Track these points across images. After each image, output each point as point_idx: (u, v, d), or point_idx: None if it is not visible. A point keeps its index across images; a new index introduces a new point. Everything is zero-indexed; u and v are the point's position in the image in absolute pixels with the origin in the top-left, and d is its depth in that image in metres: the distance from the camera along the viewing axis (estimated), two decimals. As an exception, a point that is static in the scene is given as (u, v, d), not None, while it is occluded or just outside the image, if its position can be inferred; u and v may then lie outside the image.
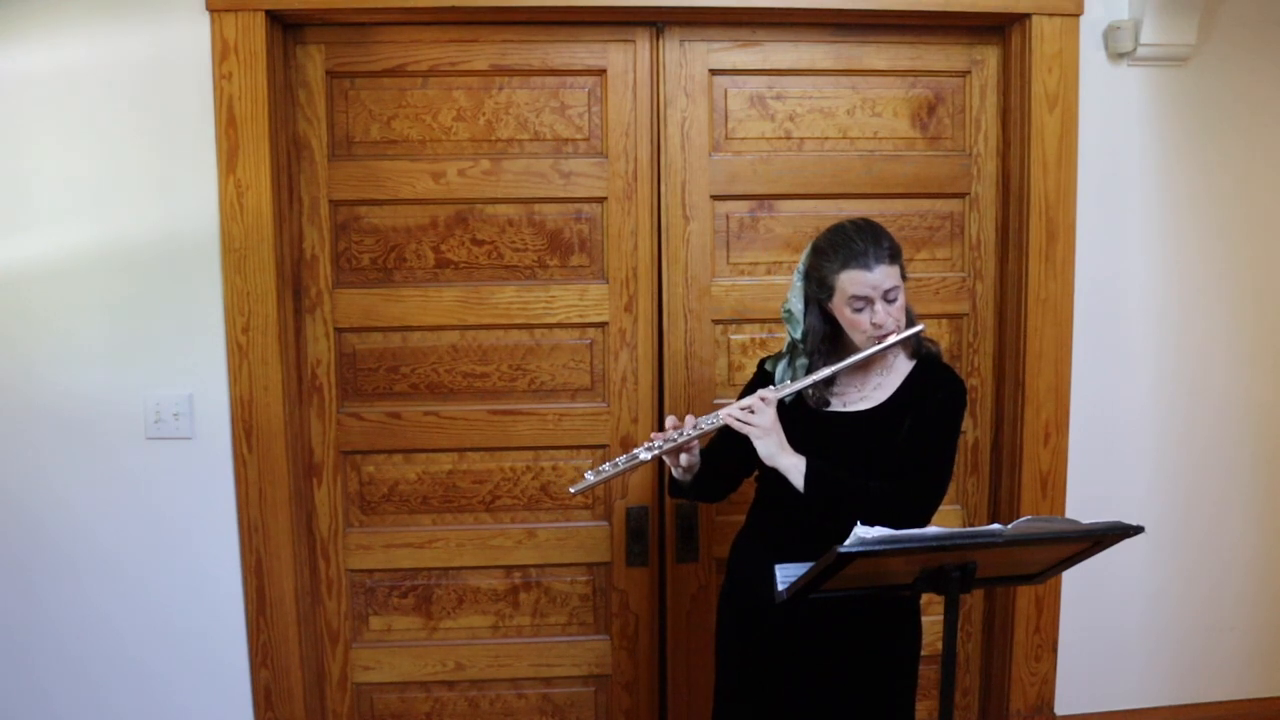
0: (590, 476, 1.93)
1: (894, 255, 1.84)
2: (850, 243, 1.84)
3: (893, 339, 1.84)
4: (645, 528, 2.53)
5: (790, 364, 1.97)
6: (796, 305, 1.93)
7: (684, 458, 1.95)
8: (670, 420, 1.94)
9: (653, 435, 1.94)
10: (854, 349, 1.87)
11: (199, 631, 2.43)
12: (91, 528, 2.39)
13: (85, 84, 2.26)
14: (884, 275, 1.82)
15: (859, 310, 1.83)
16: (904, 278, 1.87)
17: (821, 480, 1.81)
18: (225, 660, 2.44)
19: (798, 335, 1.94)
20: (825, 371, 1.87)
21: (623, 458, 1.93)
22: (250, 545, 2.39)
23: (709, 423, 1.90)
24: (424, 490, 2.52)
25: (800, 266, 1.93)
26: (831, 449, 1.86)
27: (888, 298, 1.83)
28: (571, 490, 1.98)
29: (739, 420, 1.85)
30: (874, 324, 1.83)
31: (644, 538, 2.53)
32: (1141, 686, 2.68)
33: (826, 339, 1.92)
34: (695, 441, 1.93)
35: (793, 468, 1.82)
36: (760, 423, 1.84)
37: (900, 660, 1.95)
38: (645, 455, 1.91)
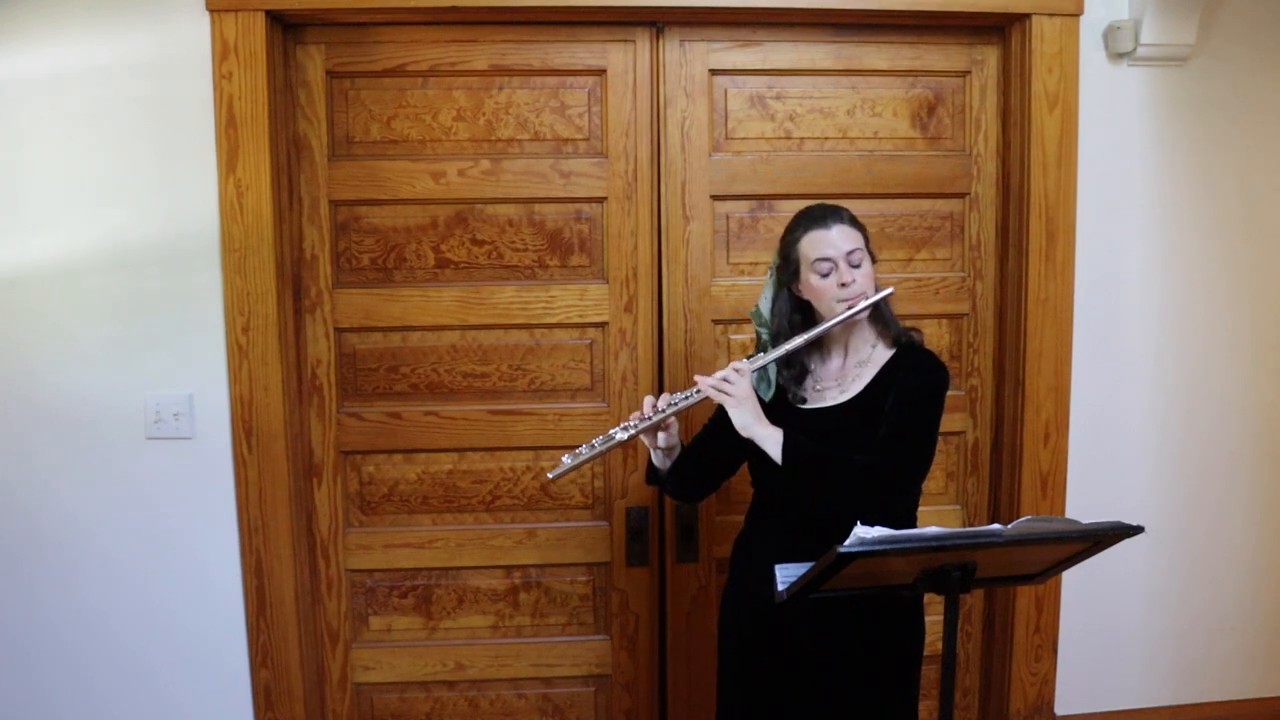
0: (568, 460, 1.94)
1: (854, 223, 1.89)
2: (810, 212, 1.91)
3: (863, 304, 1.85)
4: (645, 528, 2.53)
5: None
6: (764, 303, 1.96)
7: (662, 437, 1.96)
8: (647, 400, 1.94)
9: (632, 415, 1.95)
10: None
11: (199, 631, 2.43)
12: (91, 528, 2.39)
13: (85, 84, 2.26)
14: (843, 234, 1.85)
15: (825, 275, 1.85)
16: (873, 258, 1.89)
17: (799, 452, 1.81)
18: (225, 660, 2.44)
19: (763, 329, 1.96)
20: (798, 340, 1.87)
21: (599, 439, 1.94)
22: (250, 545, 2.39)
23: (683, 398, 1.91)
24: (424, 490, 2.52)
25: (772, 264, 1.96)
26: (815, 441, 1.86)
27: (851, 261, 1.85)
28: (550, 475, 1.99)
29: (714, 387, 1.85)
30: (840, 284, 1.84)
31: (644, 538, 2.53)
32: (1141, 686, 2.68)
33: (796, 326, 1.93)
34: (673, 419, 1.94)
35: (769, 438, 1.82)
36: (734, 392, 1.84)
37: (903, 660, 1.95)
38: (622, 435, 1.92)
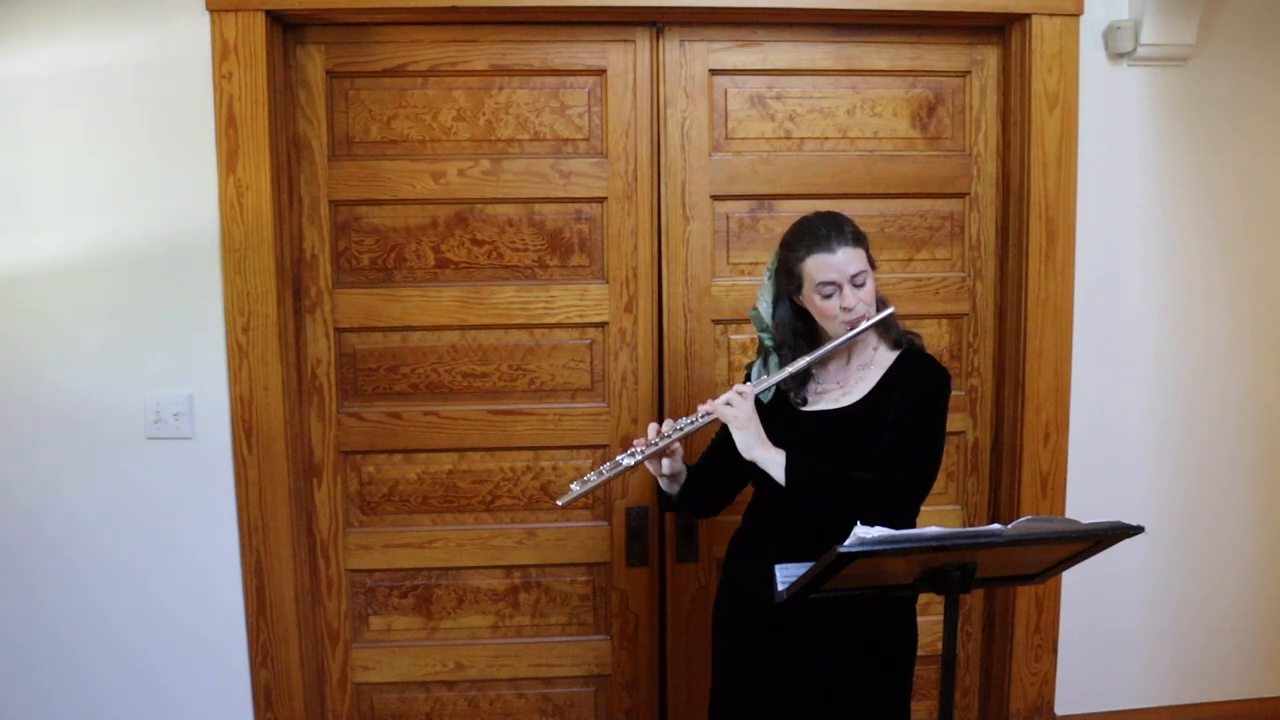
0: (576, 487, 1.94)
1: (858, 239, 1.86)
2: (813, 229, 1.87)
3: (864, 325, 1.85)
4: (645, 528, 2.53)
5: (764, 365, 1.97)
6: (764, 306, 1.95)
7: (666, 464, 1.95)
8: (651, 427, 1.94)
9: (635, 441, 1.94)
10: (828, 342, 1.88)
11: (199, 631, 2.43)
12: (91, 528, 2.39)
13: (85, 84, 2.26)
14: (848, 257, 1.83)
15: (828, 297, 1.84)
16: (873, 265, 1.88)
17: (802, 472, 1.81)
18: (225, 660, 2.44)
19: (765, 335, 1.95)
20: (800, 362, 1.87)
21: (606, 465, 1.94)
22: (250, 545, 2.39)
23: (688, 423, 1.91)
24: (424, 490, 2.52)
25: (769, 266, 1.95)
26: (818, 447, 1.86)
27: (855, 282, 1.84)
28: (559, 503, 1.98)
29: (720, 406, 1.85)
30: (843, 308, 1.83)
31: (644, 538, 2.53)
32: (1141, 686, 2.68)
33: (799, 334, 1.92)
34: (678, 444, 1.94)
35: (772, 461, 1.82)
36: (738, 414, 1.84)
37: (895, 660, 1.95)
38: (629, 461, 1.92)
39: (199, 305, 2.34)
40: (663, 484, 2.02)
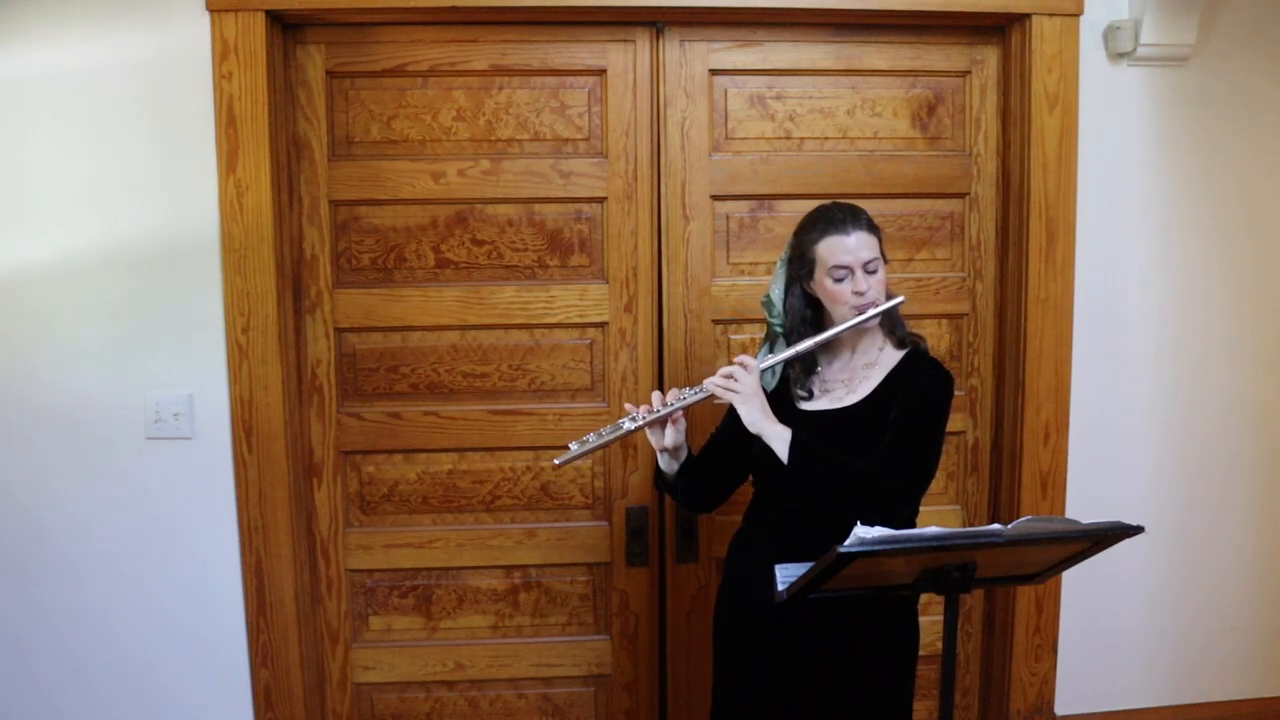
0: (574, 447, 1.94)
1: (872, 227, 1.88)
2: (829, 214, 1.89)
3: (874, 311, 1.85)
4: (645, 528, 2.53)
5: (770, 351, 1.98)
6: (776, 292, 1.96)
7: (669, 434, 1.96)
8: (655, 396, 1.94)
9: (639, 406, 1.95)
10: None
11: (199, 631, 2.43)
12: (91, 528, 2.39)
13: (85, 84, 2.26)
14: (862, 242, 1.85)
15: (840, 280, 1.85)
16: (884, 258, 1.89)
17: (806, 452, 1.81)
18: (225, 660, 2.44)
19: (775, 320, 1.95)
20: (807, 343, 1.88)
21: (607, 428, 1.94)
22: (250, 545, 2.39)
23: (692, 394, 1.91)
24: (424, 490, 2.52)
25: (783, 255, 1.96)
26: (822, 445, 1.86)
27: (867, 268, 1.85)
28: (555, 462, 1.99)
29: (721, 387, 1.86)
30: (855, 292, 1.84)
31: (644, 538, 2.53)
32: (1141, 686, 2.68)
33: (808, 321, 1.93)
34: (680, 414, 1.94)
35: (777, 436, 1.83)
36: (742, 389, 1.84)
37: (897, 660, 1.95)
38: (630, 425, 1.92)
39: (199, 305, 2.34)
40: (662, 462, 2.02)
